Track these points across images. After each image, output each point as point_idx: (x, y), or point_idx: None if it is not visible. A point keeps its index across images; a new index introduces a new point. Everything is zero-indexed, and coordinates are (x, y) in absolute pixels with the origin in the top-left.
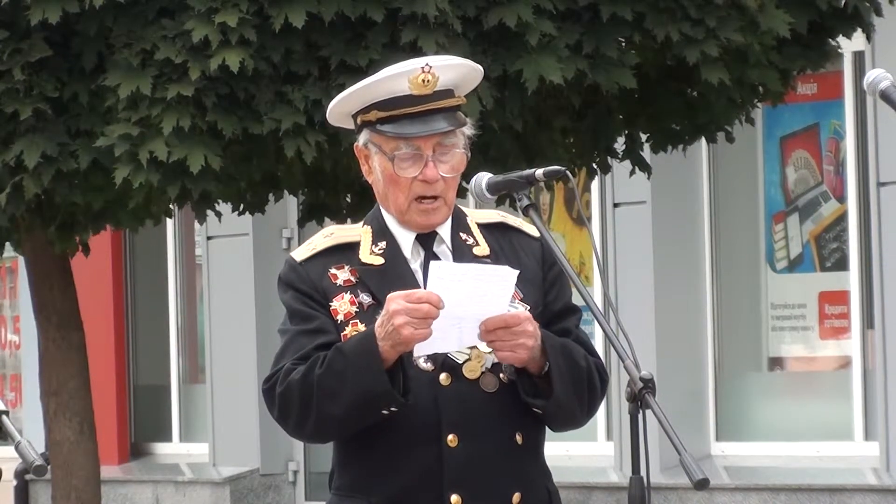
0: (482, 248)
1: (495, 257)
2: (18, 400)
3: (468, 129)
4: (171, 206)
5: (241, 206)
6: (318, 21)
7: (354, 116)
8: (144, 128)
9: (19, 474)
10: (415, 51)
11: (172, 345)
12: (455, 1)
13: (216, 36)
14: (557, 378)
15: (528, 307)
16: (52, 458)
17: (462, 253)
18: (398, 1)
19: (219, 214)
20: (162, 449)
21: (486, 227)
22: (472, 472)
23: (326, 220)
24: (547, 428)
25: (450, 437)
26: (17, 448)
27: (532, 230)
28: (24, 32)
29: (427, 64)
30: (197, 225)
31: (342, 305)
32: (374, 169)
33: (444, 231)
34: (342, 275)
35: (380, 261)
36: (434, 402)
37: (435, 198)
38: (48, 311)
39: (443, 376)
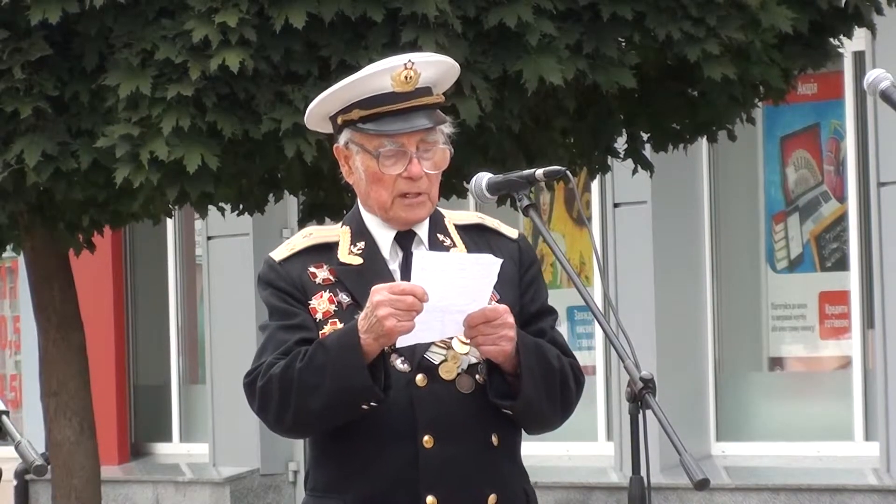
0: (458, 250)
1: None
2: (18, 400)
3: (447, 128)
4: (170, 206)
5: (241, 206)
6: (318, 21)
7: (333, 118)
8: (145, 128)
9: (19, 474)
10: (416, 49)
11: (172, 345)
12: (455, 1)
13: (216, 36)
14: (528, 377)
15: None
16: (52, 459)
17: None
18: (398, 1)
19: (222, 210)
20: (162, 449)
21: (463, 229)
22: (448, 474)
23: (327, 220)
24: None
25: (425, 438)
26: (17, 448)
27: (509, 232)
28: (25, 32)
29: (410, 60)
30: (197, 225)
31: (321, 304)
32: (356, 168)
33: (422, 232)
34: (321, 273)
35: (358, 261)
36: (410, 403)
37: (419, 194)
38: (48, 311)
39: (419, 377)
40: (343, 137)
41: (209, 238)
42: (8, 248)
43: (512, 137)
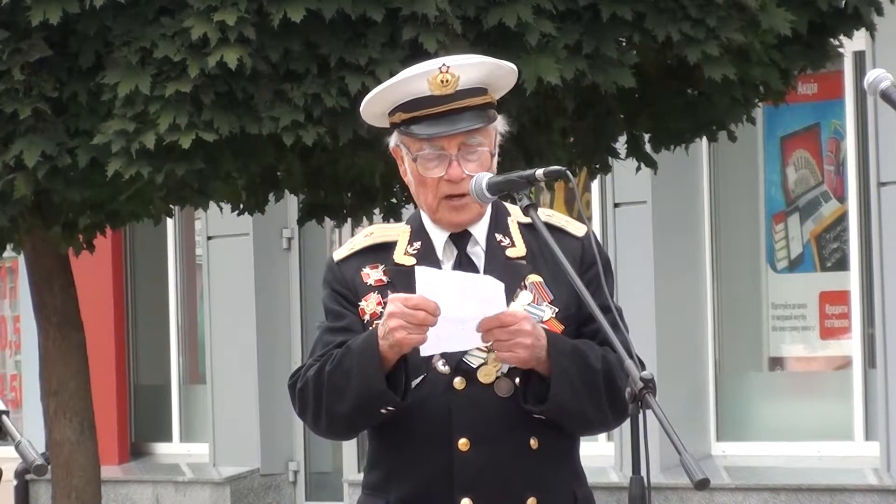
0: (517, 250)
1: (531, 258)
2: (18, 400)
3: (501, 126)
4: (171, 206)
5: (241, 206)
6: (318, 20)
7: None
8: (141, 123)
9: (20, 474)
10: (415, 48)
11: (172, 345)
12: (455, 1)
13: (215, 34)
14: (561, 382)
15: (558, 310)
16: (52, 458)
17: (494, 254)
18: (398, 0)
19: (220, 207)
20: (162, 449)
21: (527, 227)
22: (484, 477)
23: (326, 219)
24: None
25: (461, 441)
26: (17, 448)
27: (576, 230)
28: (24, 32)
29: (444, 64)
30: (197, 225)
31: (369, 305)
32: (406, 170)
33: (479, 231)
34: (374, 275)
35: (412, 261)
36: (447, 406)
37: (463, 195)
38: (48, 311)
39: (457, 380)
40: (393, 139)
41: (209, 238)
42: (8, 248)
43: (511, 138)
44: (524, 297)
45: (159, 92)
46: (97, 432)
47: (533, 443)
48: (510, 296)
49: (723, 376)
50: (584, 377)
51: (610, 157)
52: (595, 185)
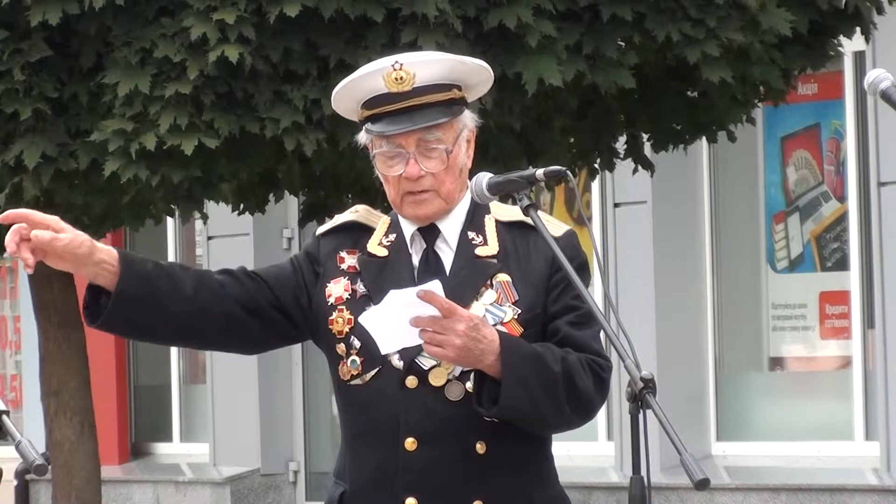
0: (489, 248)
1: (504, 256)
2: (19, 400)
3: (470, 121)
4: (170, 205)
5: (242, 206)
6: (318, 20)
7: None
8: (140, 124)
9: (20, 474)
10: (415, 49)
11: None
12: (455, 1)
13: (214, 34)
14: (514, 387)
15: (521, 311)
16: (52, 458)
17: (463, 252)
18: (398, 1)
19: (205, 217)
20: (162, 449)
21: (506, 226)
22: (429, 478)
23: (327, 220)
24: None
25: (409, 440)
26: (17, 448)
27: (555, 230)
28: (24, 33)
29: (396, 61)
30: (197, 225)
31: (336, 289)
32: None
33: (450, 227)
34: (349, 260)
35: (384, 253)
36: (396, 404)
37: (423, 191)
38: (48, 311)
39: (409, 379)
40: (363, 136)
41: (209, 238)
42: None
43: (512, 137)
44: (488, 295)
45: (159, 92)
46: (97, 432)
47: (479, 447)
48: (474, 294)
49: (723, 376)
50: (541, 381)
51: (610, 157)
52: (595, 185)
